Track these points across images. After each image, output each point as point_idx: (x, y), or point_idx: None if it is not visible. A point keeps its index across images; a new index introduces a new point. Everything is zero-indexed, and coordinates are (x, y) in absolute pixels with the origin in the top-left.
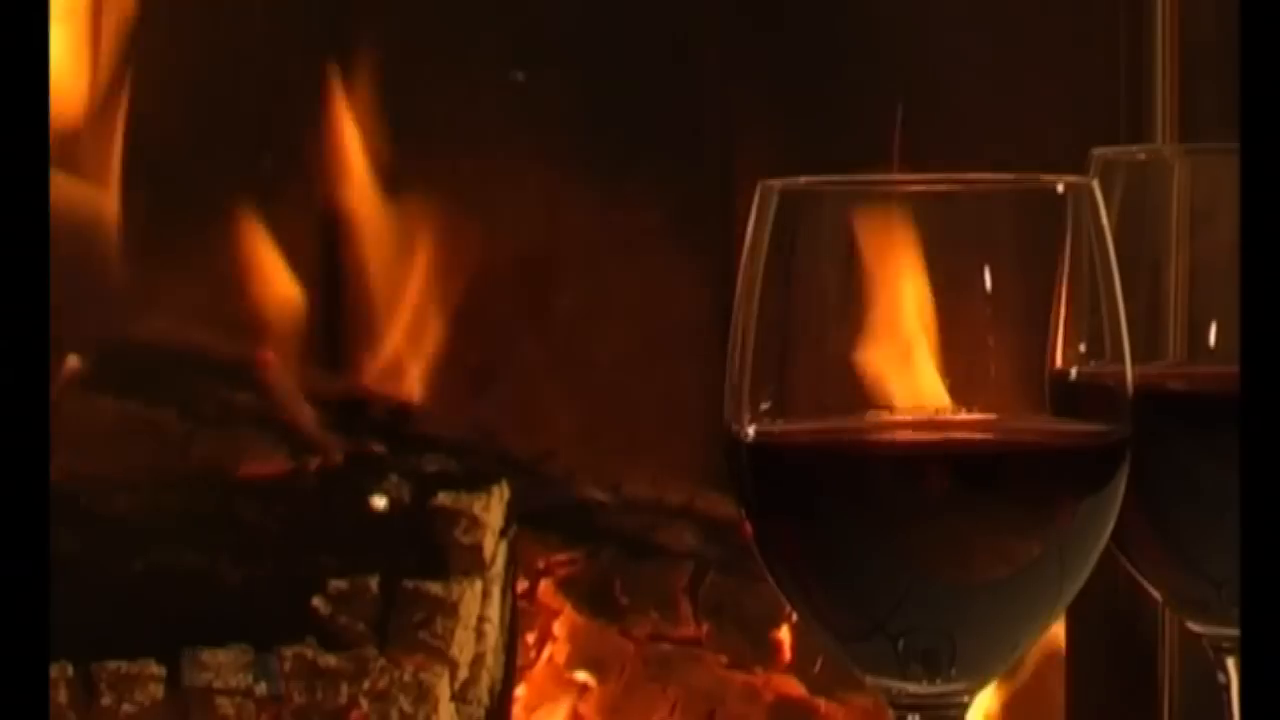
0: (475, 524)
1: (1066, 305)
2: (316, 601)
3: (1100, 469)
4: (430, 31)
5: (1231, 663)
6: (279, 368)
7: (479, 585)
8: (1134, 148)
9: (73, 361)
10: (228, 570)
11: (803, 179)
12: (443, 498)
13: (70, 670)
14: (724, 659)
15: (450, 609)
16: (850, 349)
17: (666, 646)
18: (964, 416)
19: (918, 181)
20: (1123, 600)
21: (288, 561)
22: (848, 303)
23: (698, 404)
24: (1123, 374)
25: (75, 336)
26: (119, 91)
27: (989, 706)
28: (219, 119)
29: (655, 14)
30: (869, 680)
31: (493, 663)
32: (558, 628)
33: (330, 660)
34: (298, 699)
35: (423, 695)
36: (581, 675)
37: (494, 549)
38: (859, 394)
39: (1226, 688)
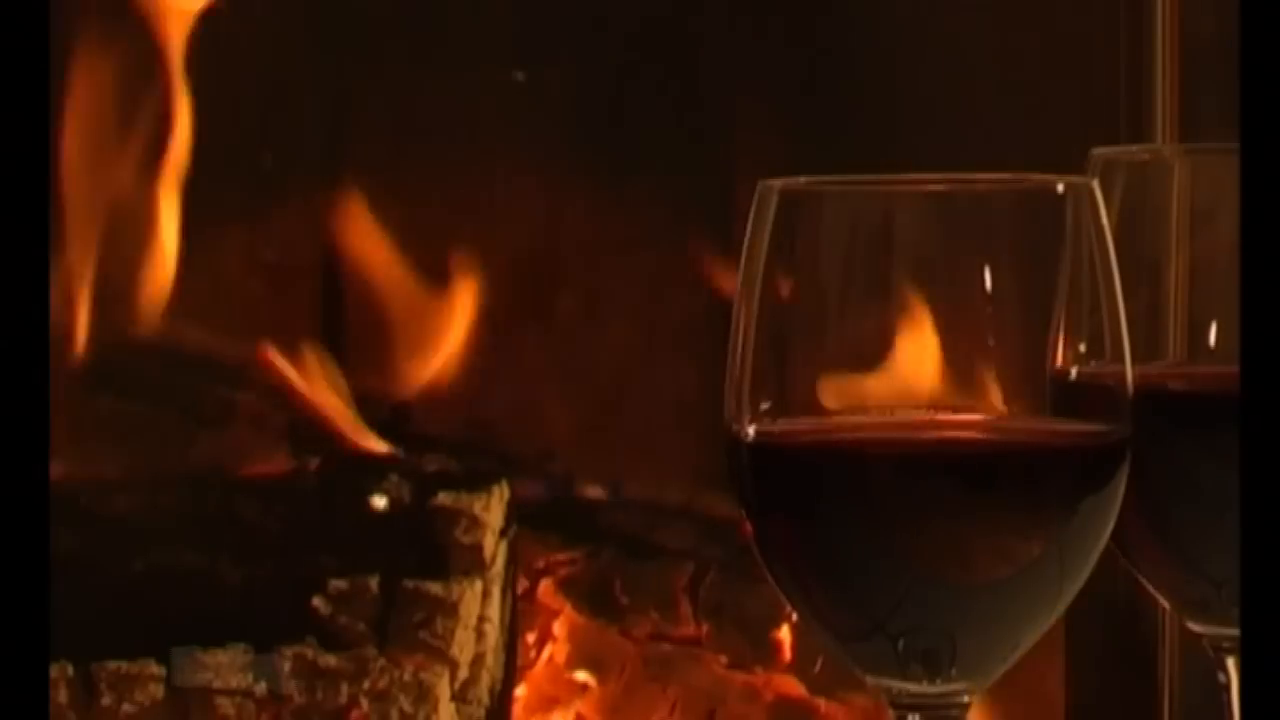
0: (475, 524)
1: (1066, 305)
2: (316, 601)
3: (1100, 469)
4: (430, 31)
5: (1231, 663)
6: (279, 368)
7: (479, 585)
8: (1134, 148)
9: (73, 361)
10: (228, 570)
11: (803, 179)
12: (443, 497)
13: (70, 670)
14: (724, 659)
15: (450, 609)
16: (850, 349)
17: (666, 646)
18: (964, 416)
19: (918, 181)
20: (1123, 600)
21: (288, 561)
22: (847, 303)
23: (698, 404)
24: (1123, 374)
25: (75, 336)
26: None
27: (989, 706)
28: (219, 119)
29: (656, 14)
30: (869, 680)
31: (493, 663)
32: (558, 628)
33: (330, 660)
34: (298, 699)
35: (423, 695)
36: (581, 675)
37: (494, 549)
38: (859, 394)
39: (1226, 688)
